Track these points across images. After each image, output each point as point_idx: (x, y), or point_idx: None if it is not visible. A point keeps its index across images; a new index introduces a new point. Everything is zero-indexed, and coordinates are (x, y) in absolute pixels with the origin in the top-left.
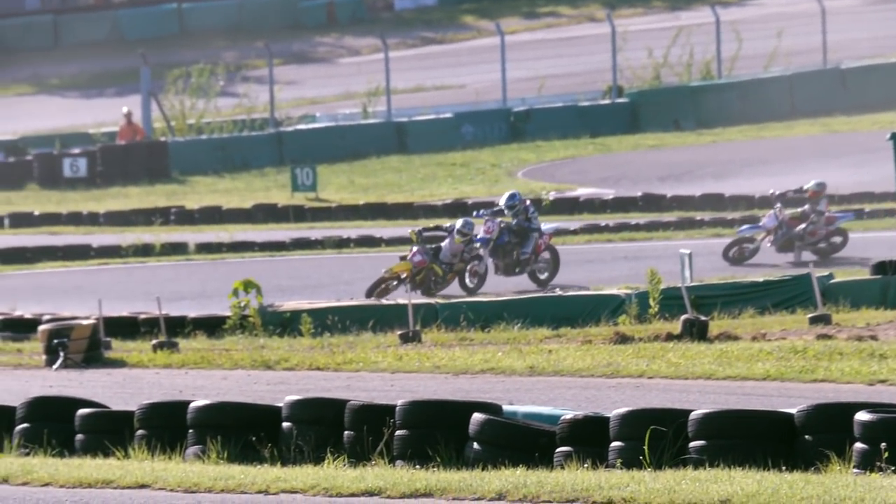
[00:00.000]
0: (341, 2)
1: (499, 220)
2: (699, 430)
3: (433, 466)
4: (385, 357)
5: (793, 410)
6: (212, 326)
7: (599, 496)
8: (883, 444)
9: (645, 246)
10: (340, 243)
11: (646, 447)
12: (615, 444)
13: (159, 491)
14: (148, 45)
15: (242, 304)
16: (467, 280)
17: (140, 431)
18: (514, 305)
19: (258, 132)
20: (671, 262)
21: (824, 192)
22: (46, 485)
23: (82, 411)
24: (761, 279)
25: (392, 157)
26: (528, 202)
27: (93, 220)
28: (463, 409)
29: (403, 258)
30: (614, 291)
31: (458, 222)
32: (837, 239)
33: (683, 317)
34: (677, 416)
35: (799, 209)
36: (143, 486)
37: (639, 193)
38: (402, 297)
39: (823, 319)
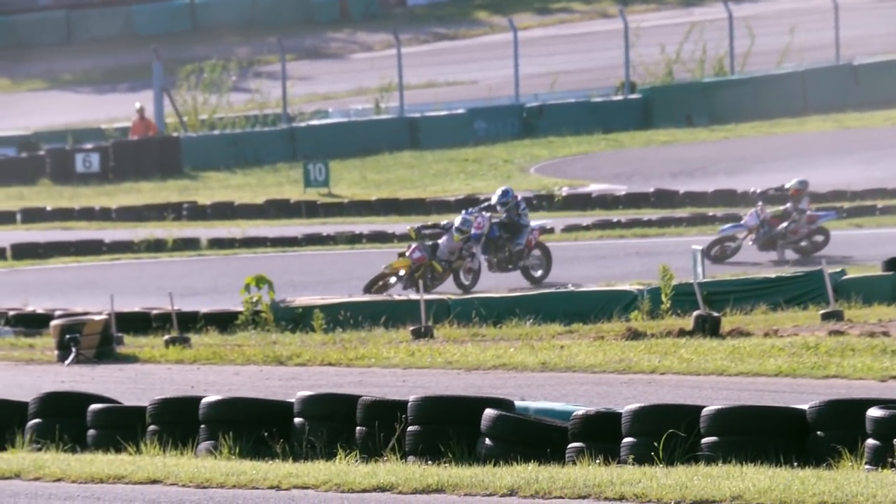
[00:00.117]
0: None
1: (488, 215)
2: (711, 426)
3: (445, 462)
4: (397, 353)
5: (805, 407)
6: (224, 322)
7: (611, 492)
8: (895, 441)
9: (657, 242)
10: (353, 239)
11: (660, 446)
12: (627, 440)
13: (171, 486)
14: (160, 41)
15: (254, 300)
16: (462, 277)
17: (152, 427)
18: (526, 301)
19: (270, 128)
20: (683, 258)
21: (806, 191)
22: (58, 480)
23: (94, 407)
24: (773, 275)
25: (404, 153)
26: (519, 197)
27: (105, 215)
28: (475, 404)
29: (402, 255)
30: (626, 287)
31: (457, 220)
32: (819, 237)
33: (696, 313)
34: (689, 413)
35: (781, 207)
36: (154, 482)
37: (651, 189)
38: (414, 293)
39: (835, 315)
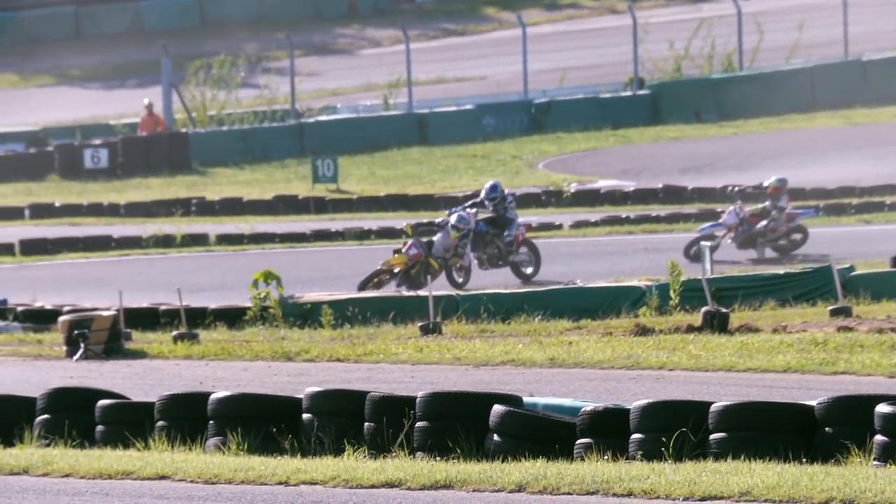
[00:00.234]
0: None
1: (473, 211)
2: (719, 422)
3: (453, 458)
4: (405, 349)
5: (813, 403)
6: (232, 318)
7: (619, 488)
8: None
9: (666, 238)
10: (361, 235)
11: (670, 443)
12: (635, 436)
13: (179, 482)
14: (169, 37)
15: (263, 296)
16: (455, 275)
17: (160, 423)
18: (534, 297)
19: (279, 123)
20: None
21: (785, 189)
22: (67, 476)
23: (102, 402)
24: (782, 271)
25: (413, 149)
26: (506, 192)
27: (113, 211)
28: (483, 400)
29: (398, 251)
30: (635, 283)
31: (453, 217)
32: (797, 236)
33: (704, 309)
34: (698, 409)
35: (759, 206)
36: (163, 478)
37: (660, 185)
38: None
39: (844, 311)
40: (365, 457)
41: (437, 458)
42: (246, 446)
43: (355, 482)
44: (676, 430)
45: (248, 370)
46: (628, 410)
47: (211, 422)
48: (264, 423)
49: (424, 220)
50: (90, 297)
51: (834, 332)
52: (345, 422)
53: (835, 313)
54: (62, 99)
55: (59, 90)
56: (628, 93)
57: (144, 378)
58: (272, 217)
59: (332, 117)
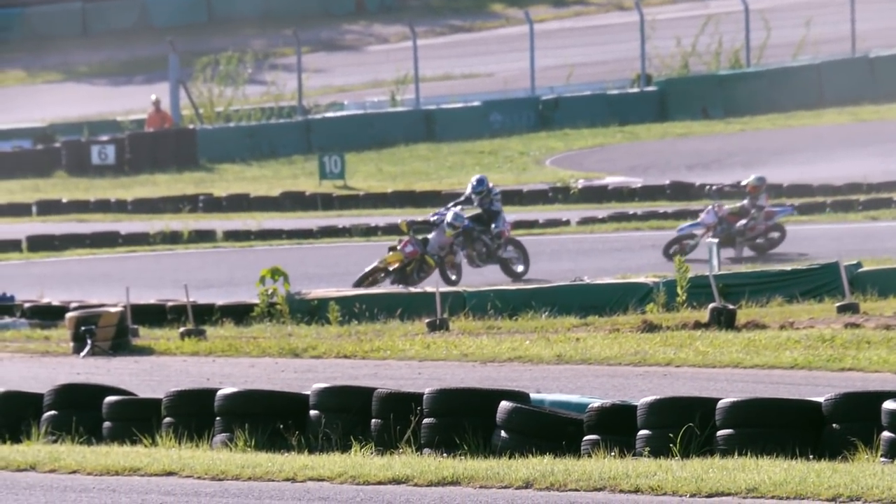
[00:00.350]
0: None
1: (458, 208)
2: (727, 418)
3: (460, 454)
4: (412, 345)
5: (820, 399)
6: (239, 314)
7: (627, 484)
8: None
9: (673, 234)
10: (368, 231)
11: (678, 439)
12: (642, 432)
13: (186, 478)
14: (176, 33)
15: (270, 292)
16: (448, 272)
17: (167, 419)
18: (541, 294)
19: (286, 120)
20: (699, 250)
21: (764, 187)
22: (74, 472)
23: (110, 399)
24: (789, 268)
25: (420, 145)
26: (492, 185)
27: (121, 207)
28: (490, 397)
29: (393, 249)
30: (642, 280)
31: (448, 215)
32: (775, 234)
33: (711, 305)
34: (705, 405)
35: (738, 204)
36: (170, 474)
37: (667, 182)
38: (430, 285)
39: (851, 308)
40: (372, 453)
41: (445, 455)
42: (253, 443)
43: (362, 479)
44: (683, 426)
45: (255, 366)
46: (635, 407)
47: (218, 418)
48: (271, 420)
49: (419, 219)
50: (97, 294)
51: (841, 329)
52: (352, 418)
53: (842, 310)
54: (69, 95)
55: (66, 86)
56: (635, 89)
57: (151, 374)
58: (279, 213)
59: (339, 114)
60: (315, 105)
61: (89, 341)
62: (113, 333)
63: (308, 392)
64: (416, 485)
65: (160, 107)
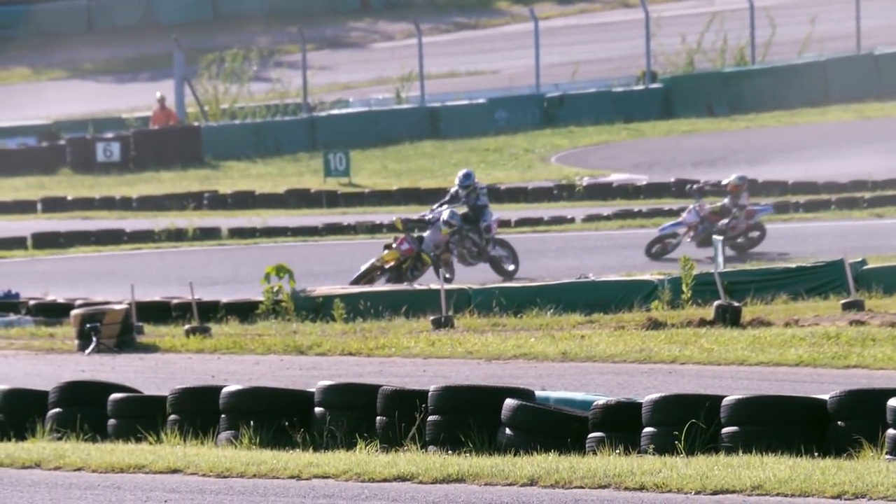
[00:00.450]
0: None
1: (445, 207)
2: (732, 416)
3: (465, 452)
4: (417, 342)
5: (825, 396)
6: (244, 311)
7: (631, 482)
8: None
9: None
10: (373, 228)
11: (682, 436)
12: (647, 429)
13: (191, 476)
14: (182, 30)
15: (275, 289)
16: (443, 270)
17: (172, 416)
18: (546, 291)
19: (291, 117)
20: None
21: (745, 187)
22: (79, 469)
23: (115, 396)
24: (794, 265)
25: (425, 143)
26: (477, 181)
27: (126, 204)
28: (495, 394)
29: (388, 246)
30: (647, 277)
31: (445, 213)
32: (755, 233)
33: (716, 303)
34: (710, 402)
35: (719, 204)
36: (175, 471)
37: (672, 179)
38: (434, 282)
39: (856, 305)
40: (377, 450)
41: (449, 452)
42: (258, 440)
43: (367, 476)
44: (688, 423)
45: (260, 364)
46: (640, 404)
47: (223, 415)
48: (276, 417)
49: (414, 216)
50: (102, 291)
51: (846, 326)
52: (357, 415)
53: (847, 307)
54: (75, 92)
55: (71, 84)
56: (640, 86)
57: (156, 372)
58: (284, 210)
59: (344, 111)
60: (320, 102)
61: (94, 338)
62: (118, 331)
63: (313, 389)
64: (420, 482)
65: (165, 104)
